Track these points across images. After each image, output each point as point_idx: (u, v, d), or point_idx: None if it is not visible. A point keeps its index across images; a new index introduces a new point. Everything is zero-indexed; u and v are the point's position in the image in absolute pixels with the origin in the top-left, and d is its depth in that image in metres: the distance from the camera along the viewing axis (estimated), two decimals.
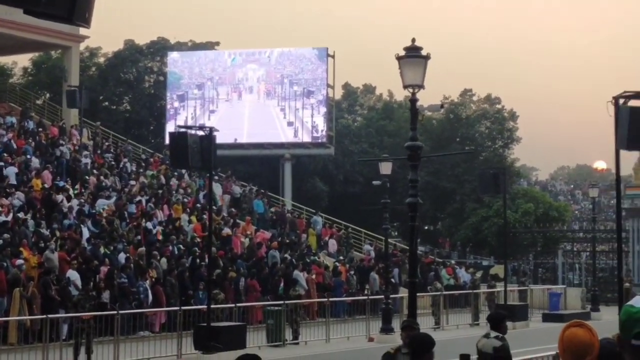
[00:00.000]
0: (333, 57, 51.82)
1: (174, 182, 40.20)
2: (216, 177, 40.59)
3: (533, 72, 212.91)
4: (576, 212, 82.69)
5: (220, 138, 25.55)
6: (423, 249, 52.63)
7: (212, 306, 23.15)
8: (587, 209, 76.22)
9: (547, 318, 34.03)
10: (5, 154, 34.64)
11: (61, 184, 33.45)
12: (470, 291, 35.23)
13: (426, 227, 63.08)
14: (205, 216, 31.16)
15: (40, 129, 41.66)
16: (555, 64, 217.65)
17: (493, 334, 5.31)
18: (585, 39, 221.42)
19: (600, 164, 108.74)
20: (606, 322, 28.66)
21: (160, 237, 31.43)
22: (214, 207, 32.28)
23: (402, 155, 18.47)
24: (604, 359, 5.38)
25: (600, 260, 46.62)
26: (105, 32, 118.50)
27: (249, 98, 52.75)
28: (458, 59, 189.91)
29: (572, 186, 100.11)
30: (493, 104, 63.21)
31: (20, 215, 28.44)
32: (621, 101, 16.56)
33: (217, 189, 40.12)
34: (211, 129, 22.07)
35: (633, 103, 16.56)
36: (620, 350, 4.10)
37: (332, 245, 41.20)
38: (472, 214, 56.33)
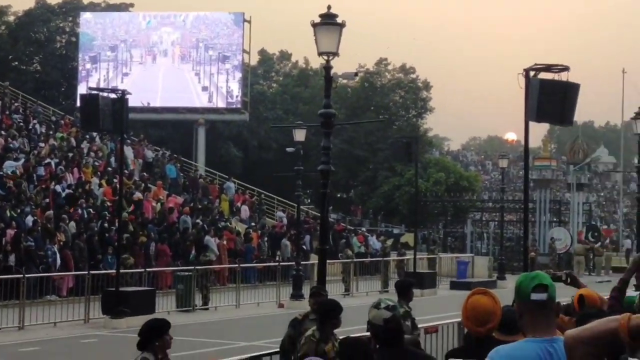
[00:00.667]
0: (249, 22, 51.46)
1: (84, 145, 39.50)
2: (128, 141, 40.04)
3: (448, 43, 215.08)
4: (486, 182, 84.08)
5: (133, 101, 25.15)
6: (335, 216, 52.90)
7: (121, 271, 22.91)
8: (496, 179, 77.60)
9: (454, 286, 34.62)
10: None
11: None
12: (381, 259, 35.61)
13: (339, 195, 63.41)
14: (116, 180, 30.73)
15: None
16: (469, 35, 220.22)
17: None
18: (498, 11, 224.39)
19: (510, 136, 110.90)
20: (511, 291, 29.12)
21: (69, 200, 30.89)
22: (125, 171, 31.86)
23: (317, 123, 18.47)
24: (506, 326, 5.49)
25: (507, 230, 47.58)
26: None
27: (163, 61, 52.07)
28: (374, 27, 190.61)
29: (482, 157, 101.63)
30: (408, 74, 63.64)
31: None
32: (531, 73, 16.81)
33: (129, 152, 39.59)
34: (123, 92, 21.70)
35: (543, 75, 16.84)
36: (518, 319, 4.18)
37: (245, 211, 41.13)
38: (384, 182, 56.81)
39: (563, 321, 6.31)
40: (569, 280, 7.43)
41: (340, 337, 7.29)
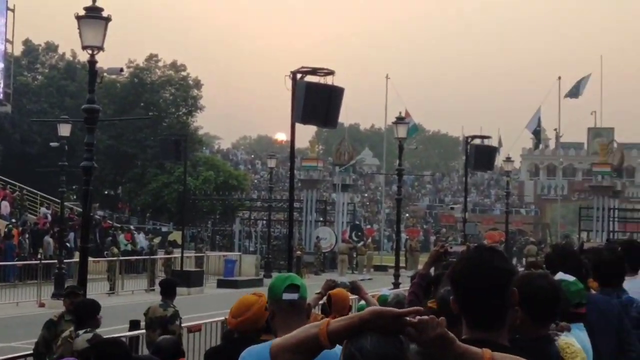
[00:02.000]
0: (13, 10, 49.25)
1: None
2: None
3: (220, 42, 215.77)
4: (255, 181, 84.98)
5: None
6: (102, 213, 51.68)
7: None
8: (265, 178, 78.56)
9: (221, 284, 34.73)
10: None
11: None
12: (147, 257, 35.15)
13: (106, 192, 62.06)
14: None
15: None
16: (241, 35, 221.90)
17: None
18: (268, 13, 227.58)
19: (280, 136, 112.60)
20: None
21: None
22: None
23: (83, 118, 17.91)
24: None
25: (275, 229, 48.27)
26: None
27: None
28: (144, 23, 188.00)
29: (252, 156, 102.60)
30: (178, 71, 63.21)
31: None
32: (298, 76, 17.14)
33: None
34: None
35: (310, 79, 17.20)
36: (271, 319, 4.23)
37: (5, 207, 39.36)
38: (153, 179, 56.15)
39: (316, 319, 6.45)
40: (352, 288, 7.81)
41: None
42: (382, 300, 7.80)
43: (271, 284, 4.20)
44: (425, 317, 2.49)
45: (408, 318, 2.46)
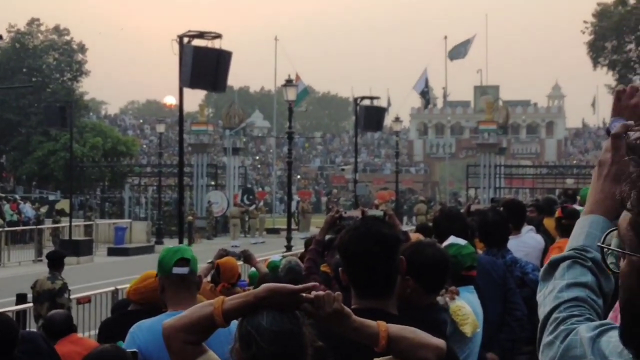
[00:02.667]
0: None
1: None
2: None
3: (105, 4, 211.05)
4: (144, 146, 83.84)
5: None
6: None
7: None
8: (155, 144, 77.57)
9: (112, 252, 34.24)
10: None
11: None
12: (34, 227, 34.34)
13: None
14: None
15: None
16: None
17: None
18: None
19: (169, 100, 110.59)
20: None
21: None
22: None
23: None
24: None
25: (166, 194, 47.77)
26: None
27: None
28: None
29: (141, 121, 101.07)
30: (62, 35, 61.54)
31: None
32: (185, 40, 16.90)
33: None
34: None
35: (197, 43, 16.98)
36: (161, 293, 4.17)
37: None
38: (38, 147, 54.75)
39: (205, 290, 6.40)
40: (242, 258, 7.78)
41: None
42: (273, 267, 7.80)
43: (160, 257, 4.13)
44: (322, 292, 2.48)
45: (304, 294, 2.44)
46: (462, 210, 7.47)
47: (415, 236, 6.75)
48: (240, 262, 8.49)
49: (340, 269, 3.20)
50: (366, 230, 3.16)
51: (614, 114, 2.33)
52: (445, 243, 4.88)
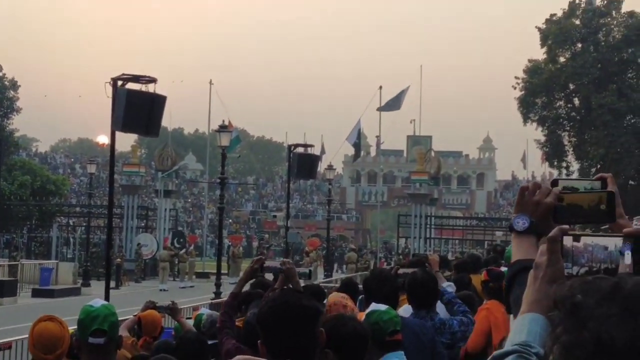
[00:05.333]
0: None
1: None
2: None
3: (41, 41, 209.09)
4: (75, 185, 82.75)
5: None
6: None
7: None
8: (86, 183, 76.64)
9: (37, 293, 33.53)
10: None
11: None
12: None
13: None
14: None
15: None
16: (61, 37, 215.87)
17: None
18: (92, 22, 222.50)
19: (102, 139, 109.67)
20: (95, 297, 28.97)
21: None
22: None
23: None
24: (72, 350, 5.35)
25: (95, 235, 47.12)
26: None
27: None
28: None
29: (72, 159, 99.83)
30: None
31: None
32: (119, 83, 16.78)
33: None
34: None
35: (131, 86, 16.87)
36: (77, 352, 4.08)
37: None
38: None
39: (127, 344, 6.28)
40: (168, 311, 7.70)
41: None
42: (197, 321, 7.75)
43: (80, 318, 4.04)
44: None
45: None
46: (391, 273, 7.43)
47: (339, 296, 6.73)
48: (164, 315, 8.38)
49: (259, 341, 3.17)
50: (285, 302, 3.15)
51: (517, 209, 2.40)
52: (367, 310, 4.91)
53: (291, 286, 5.62)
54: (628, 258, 1.93)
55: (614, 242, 1.96)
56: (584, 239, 1.98)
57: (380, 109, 58.51)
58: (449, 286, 8.10)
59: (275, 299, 3.18)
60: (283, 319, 3.10)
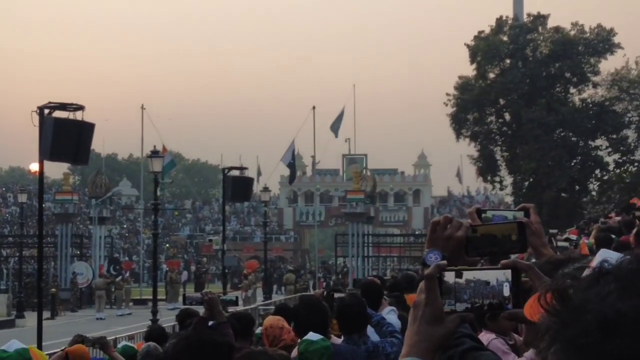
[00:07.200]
0: None
1: None
2: None
3: None
4: (7, 215, 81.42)
5: None
6: None
7: None
8: (17, 212, 75.36)
9: None
10: None
11: None
12: None
13: None
14: None
15: None
16: None
17: None
18: (20, 44, 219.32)
19: (34, 167, 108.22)
20: (30, 329, 28.41)
21: None
22: None
23: None
24: None
25: (28, 265, 46.27)
26: None
27: None
28: None
29: (3, 189, 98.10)
30: None
31: None
32: (46, 111, 16.54)
33: None
34: None
35: (58, 114, 16.64)
36: None
37: None
38: None
39: None
40: (98, 345, 7.59)
41: None
42: (129, 353, 7.62)
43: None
44: None
45: None
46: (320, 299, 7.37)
47: (275, 318, 6.69)
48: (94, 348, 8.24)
49: None
50: (198, 338, 3.12)
51: (429, 245, 2.37)
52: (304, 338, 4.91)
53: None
54: (506, 290, 1.92)
55: (495, 277, 1.94)
56: (466, 274, 1.96)
57: (332, 130, 59.10)
58: (390, 311, 8.08)
59: (188, 336, 3.14)
60: (195, 355, 3.06)
